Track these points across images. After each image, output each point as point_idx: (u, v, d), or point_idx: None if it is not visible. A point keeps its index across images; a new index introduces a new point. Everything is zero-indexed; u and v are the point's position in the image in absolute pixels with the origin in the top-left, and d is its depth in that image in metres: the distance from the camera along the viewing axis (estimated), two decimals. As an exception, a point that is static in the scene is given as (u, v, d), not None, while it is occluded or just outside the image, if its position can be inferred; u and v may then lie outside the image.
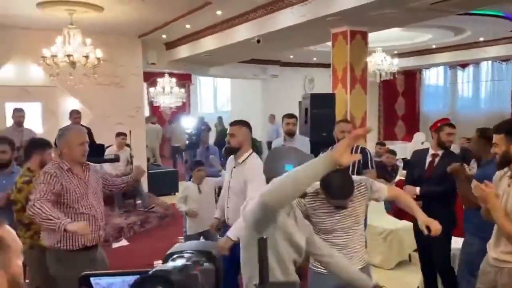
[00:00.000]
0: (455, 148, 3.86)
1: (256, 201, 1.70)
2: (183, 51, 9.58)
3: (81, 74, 6.54)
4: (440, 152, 3.60)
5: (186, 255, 0.85)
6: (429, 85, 14.88)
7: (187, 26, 8.03)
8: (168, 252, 0.89)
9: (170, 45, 9.82)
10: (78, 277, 2.63)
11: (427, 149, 3.80)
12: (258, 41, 7.05)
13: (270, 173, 1.86)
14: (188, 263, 0.78)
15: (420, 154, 3.80)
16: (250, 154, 3.23)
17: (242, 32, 7.41)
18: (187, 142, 9.06)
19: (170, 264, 0.74)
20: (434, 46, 11.66)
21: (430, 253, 3.62)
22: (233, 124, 3.33)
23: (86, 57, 6.35)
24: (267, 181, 1.83)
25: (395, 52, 11.84)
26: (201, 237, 4.51)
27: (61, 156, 2.87)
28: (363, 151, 4.10)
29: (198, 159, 6.05)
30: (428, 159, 3.63)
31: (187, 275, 0.73)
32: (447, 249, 3.59)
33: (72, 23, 6.47)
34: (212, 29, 8.15)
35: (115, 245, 6.39)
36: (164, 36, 9.07)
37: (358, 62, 6.39)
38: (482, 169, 3.21)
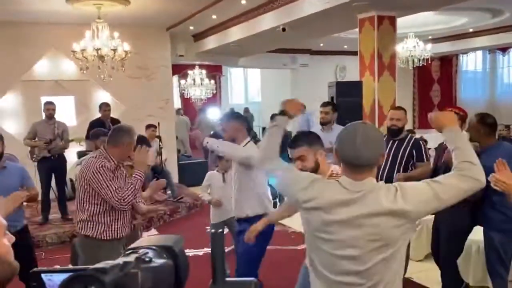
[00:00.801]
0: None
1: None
2: (211, 42, 9.61)
3: (109, 67, 6.66)
4: None
5: (141, 250, 0.80)
6: (466, 71, 14.30)
7: (214, 16, 8.03)
8: (128, 247, 0.86)
9: (198, 36, 9.86)
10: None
11: None
12: (284, 30, 6.96)
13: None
14: (129, 260, 0.73)
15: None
16: (246, 143, 3.29)
17: (268, 21, 7.34)
18: (211, 132, 9.10)
19: (110, 262, 0.70)
20: (471, 30, 11.16)
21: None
22: (222, 119, 3.49)
23: (114, 50, 6.46)
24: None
25: (430, 37, 11.42)
26: (225, 226, 4.53)
27: (108, 150, 2.94)
28: (416, 143, 3.87)
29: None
30: (438, 152, 3.50)
31: (125, 274, 0.69)
32: (454, 249, 3.45)
33: (100, 17, 6.59)
34: (238, 18, 8.11)
35: (144, 234, 6.53)
36: (191, 27, 9.11)
37: (386, 49, 6.20)
38: (485, 156, 3.04)
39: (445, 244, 3.43)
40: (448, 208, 1.70)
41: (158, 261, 0.77)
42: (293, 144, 2.46)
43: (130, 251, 0.81)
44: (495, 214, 3.05)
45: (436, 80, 14.77)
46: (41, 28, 8.08)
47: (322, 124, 4.77)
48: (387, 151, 3.55)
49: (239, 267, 3.35)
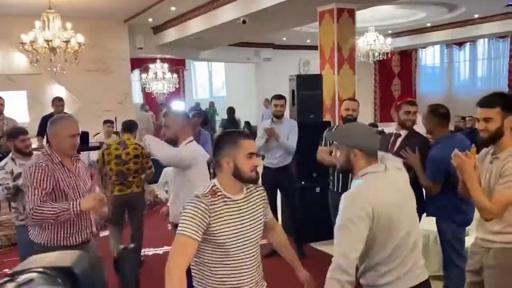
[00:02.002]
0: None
1: None
2: (171, 34, 9.39)
3: (62, 60, 6.38)
4: (402, 132, 3.38)
5: (24, 276, 0.65)
6: (425, 65, 14.66)
7: (173, 8, 7.84)
8: (14, 269, 0.69)
9: (158, 29, 9.63)
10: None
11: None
12: (244, 22, 6.86)
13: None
14: None
15: (386, 136, 3.57)
16: (188, 142, 3.14)
17: (228, 13, 7.22)
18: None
19: None
20: (429, 25, 11.43)
21: None
22: (166, 114, 3.36)
23: (67, 42, 6.19)
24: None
25: (390, 31, 11.61)
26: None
27: (51, 147, 2.70)
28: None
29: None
30: (391, 140, 3.43)
31: None
32: None
33: (51, 7, 6.29)
34: (198, 10, 7.95)
35: (102, 233, 6.31)
36: (150, 19, 8.87)
37: (345, 41, 6.20)
38: (440, 147, 3.09)
39: None
40: None
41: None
42: (483, 102, 2.25)
43: (9, 277, 0.65)
44: (449, 204, 3.05)
45: (396, 74, 15.07)
46: (-12, 19, 7.66)
47: (276, 116, 4.67)
48: None
49: None
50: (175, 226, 3.03)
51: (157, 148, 3.08)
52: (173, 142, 3.19)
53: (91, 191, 2.90)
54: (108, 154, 4.31)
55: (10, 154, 3.91)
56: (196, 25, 8.43)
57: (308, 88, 6.02)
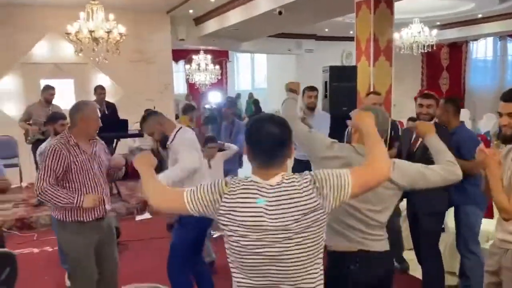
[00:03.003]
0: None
1: None
2: (211, 25, 9.51)
3: (105, 50, 6.63)
4: None
5: None
6: (476, 58, 13.97)
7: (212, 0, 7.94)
8: None
9: (199, 20, 9.78)
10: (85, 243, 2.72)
11: None
12: (280, 13, 6.83)
13: None
14: None
15: (407, 130, 3.60)
16: (176, 132, 3.18)
17: (264, 4, 7.22)
18: (204, 116, 9.07)
19: None
20: (480, 16, 10.87)
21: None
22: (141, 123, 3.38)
23: (108, 32, 6.43)
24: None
25: (438, 23, 11.16)
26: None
27: (69, 130, 2.90)
28: (395, 125, 3.85)
29: (223, 134, 5.96)
30: (414, 134, 3.37)
31: None
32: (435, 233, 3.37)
33: (95, -1, 6.55)
34: (237, 1, 8.01)
35: (138, 217, 6.57)
36: (191, 11, 9.03)
37: (382, 33, 6.04)
38: (460, 133, 3.23)
39: (426, 229, 3.35)
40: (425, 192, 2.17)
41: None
42: (508, 96, 2.25)
43: None
44: (472, 188, 3.11)
45: (445, 67, 14.47)
46: (39, 10, 8.09)
47: (309, 108, 4.62)
48: None
49: (170, 257, 3.26)
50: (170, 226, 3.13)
51: (170, 178, 2.97)
52: (162, 141, 3.28)
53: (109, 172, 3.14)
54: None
55: (49, 138, 4.18)
56: (234, 16, 8.50)
57: (341, 79, 5.96)
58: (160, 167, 5.66)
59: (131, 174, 8.22)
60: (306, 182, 1.57)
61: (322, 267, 1.67)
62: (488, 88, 13.04)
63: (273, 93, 15.44)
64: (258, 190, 1.57)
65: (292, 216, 1.54)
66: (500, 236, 2.29)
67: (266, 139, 1.58)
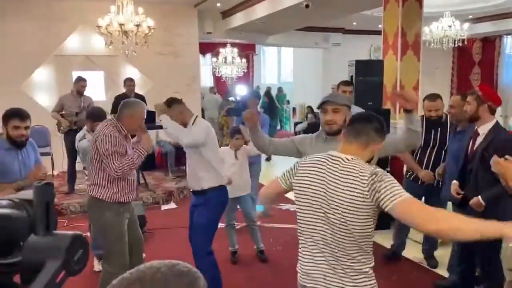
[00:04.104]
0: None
1: None
2: (238, 19, 9.55)
3: (134, 43, 6.76)
4: (481, 129, 3.13)
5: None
6: (510, 53, 13.52)
7: (240, -7, 7.98)
8: None
9: (226, 13, 9.82)
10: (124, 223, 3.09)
11: None
12: (307, 6, 6.81)
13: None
14: None
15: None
16: (194, 121, 3.46)
17: (291, -3, 7.21)
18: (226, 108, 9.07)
19: None
20: (514, 9, 10.52)
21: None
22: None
23: (138, 26, 6.56)
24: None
25: (470, 16, 10.87)
26: (238, 204, 4.58)
27: (119, 121, 3.13)
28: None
29: (247, 126, 6.01)
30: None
31: None
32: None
33: (125, -8, 6.68)
34: (264, -6, 8.02)
35: (164, 207, 6.72)
36: (218, 4, 9.08)
37: (411, 27, 5.95)
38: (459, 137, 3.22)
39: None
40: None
41: (5, 211, 0.80)
42: None
43: None
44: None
45: (477, 63, 14.07)
46: (72, 4, 8.30)
47: None
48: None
49: (193, 238, 3.54)
50: (199, 193, 3.41)
51: (171, 128, 3.36)
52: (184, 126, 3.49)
53: None
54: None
55: (85, 127, 4.34)
56: (261, 9, 8.51)
57: (367, 74, 5.90)
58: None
59: (158, 164, 8.46)
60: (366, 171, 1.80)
61: None
62: (522, 85, 12.65)
63: (299, 87, 15.39)
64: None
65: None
66: None
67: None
